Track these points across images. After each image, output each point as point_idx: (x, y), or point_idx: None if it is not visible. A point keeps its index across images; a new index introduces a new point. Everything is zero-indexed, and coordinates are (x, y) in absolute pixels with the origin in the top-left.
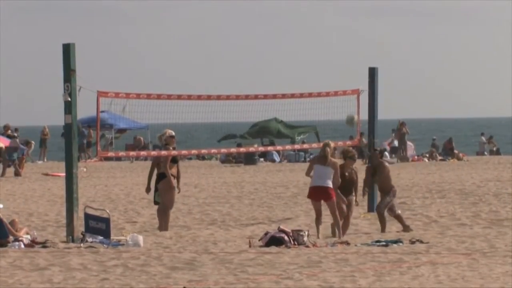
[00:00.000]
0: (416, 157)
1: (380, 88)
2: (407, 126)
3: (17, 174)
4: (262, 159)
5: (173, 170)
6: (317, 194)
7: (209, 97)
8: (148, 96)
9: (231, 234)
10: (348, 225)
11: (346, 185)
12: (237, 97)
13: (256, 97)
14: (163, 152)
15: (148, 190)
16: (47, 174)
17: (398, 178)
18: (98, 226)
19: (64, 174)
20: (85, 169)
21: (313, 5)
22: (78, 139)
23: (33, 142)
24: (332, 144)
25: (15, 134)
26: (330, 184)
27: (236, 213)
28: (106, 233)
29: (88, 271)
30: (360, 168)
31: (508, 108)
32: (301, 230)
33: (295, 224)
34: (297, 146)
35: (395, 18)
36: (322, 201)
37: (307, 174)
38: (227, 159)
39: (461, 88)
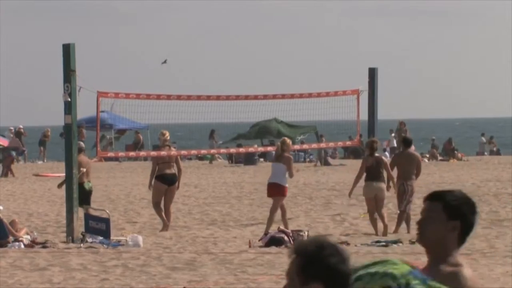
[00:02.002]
0: None
1: (380, 88)
2: (406, 126)
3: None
4: (262, 159)
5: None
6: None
7: (209, 98)
8: (148, 96)
9: (231, 234)
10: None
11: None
12: (237, 98)
13: (256, 97)
14: (163, 153)
15: (150, 187)
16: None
17: None
18: (98, 227)
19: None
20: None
21: (313, 5)
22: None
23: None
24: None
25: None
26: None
27: (236, 213)
28: (106, 234)
29: (88, 271)
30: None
31: (508, 108)
32: (301, 230)
33: (295, 224)
34: (296, 147)
35: (395, 18)
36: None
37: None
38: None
39: (461, 88)
